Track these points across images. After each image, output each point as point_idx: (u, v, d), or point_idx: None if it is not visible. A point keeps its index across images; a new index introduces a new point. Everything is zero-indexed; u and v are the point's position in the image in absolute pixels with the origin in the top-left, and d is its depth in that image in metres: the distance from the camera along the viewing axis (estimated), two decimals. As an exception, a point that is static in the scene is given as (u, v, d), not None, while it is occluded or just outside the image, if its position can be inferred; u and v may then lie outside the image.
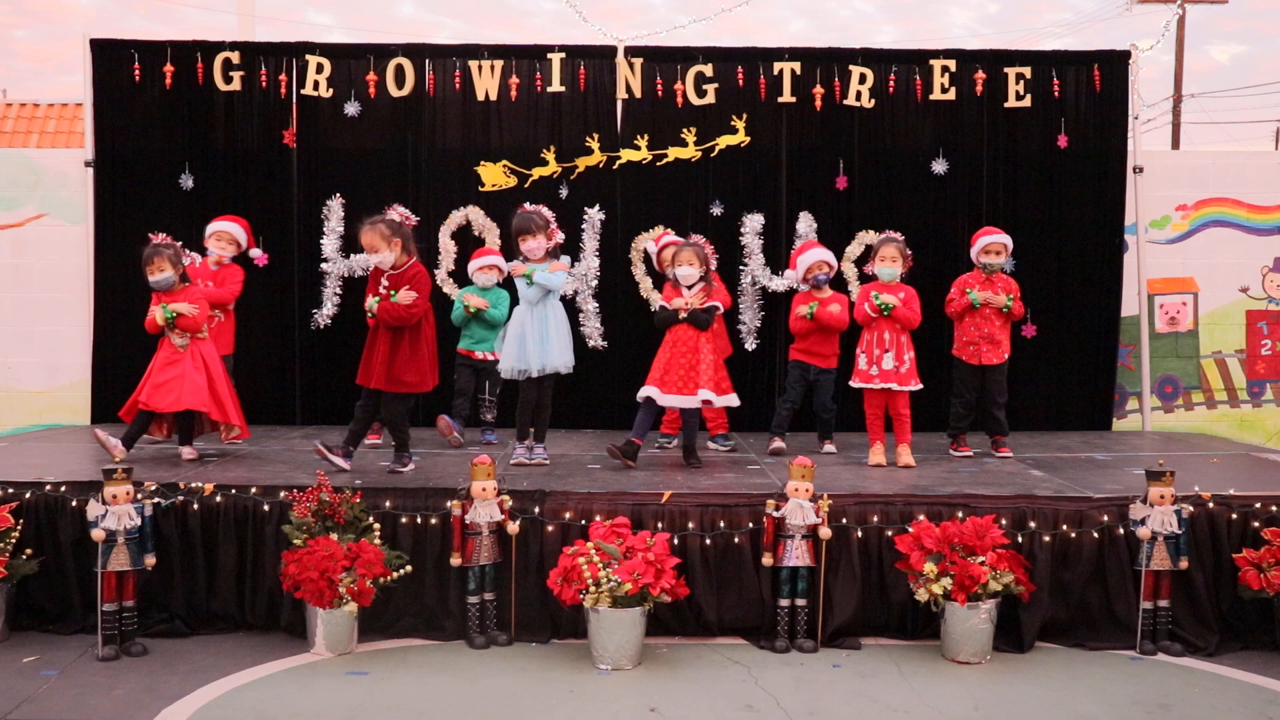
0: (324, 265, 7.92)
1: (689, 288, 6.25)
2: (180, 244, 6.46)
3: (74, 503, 5.20)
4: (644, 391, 6.18)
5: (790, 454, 6.49)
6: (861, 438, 6.68)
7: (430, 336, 5.98)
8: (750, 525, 5.19)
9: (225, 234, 7.18)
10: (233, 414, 6.28)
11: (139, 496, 4.99)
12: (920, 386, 6.45)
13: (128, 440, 6.15)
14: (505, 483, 5.38)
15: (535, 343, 5.99)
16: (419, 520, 5.21)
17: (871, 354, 6.37)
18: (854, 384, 6.48)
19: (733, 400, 6.34)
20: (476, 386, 7.06)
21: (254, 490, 5.28)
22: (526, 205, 6.28)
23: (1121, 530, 5.20)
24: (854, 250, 7.98)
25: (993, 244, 6.83)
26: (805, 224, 7.96)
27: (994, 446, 6.86)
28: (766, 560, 5.07)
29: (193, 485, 5.29)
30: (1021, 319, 7.09)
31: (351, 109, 7.94)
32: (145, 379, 6.13)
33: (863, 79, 8.00)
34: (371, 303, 5.79)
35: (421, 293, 5.78)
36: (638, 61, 8.00)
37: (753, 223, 7.96)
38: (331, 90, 7.95)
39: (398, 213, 5.97)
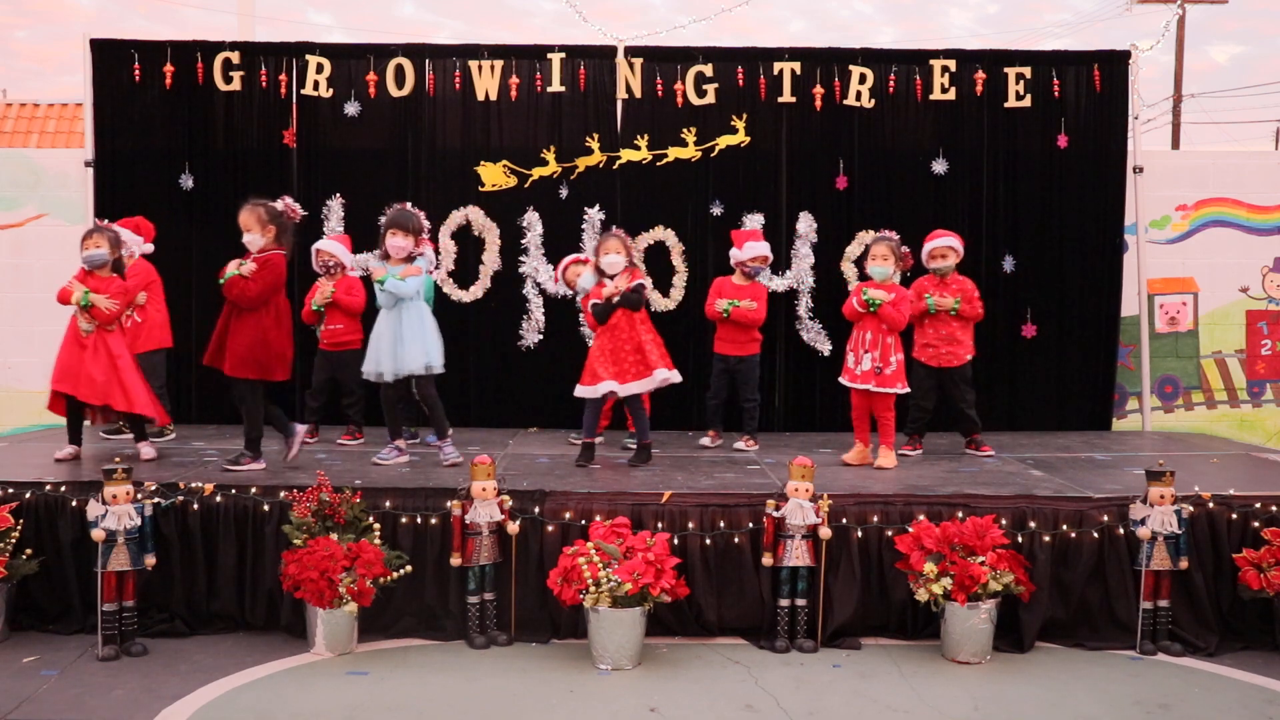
0: (324, 265, 7.91)
1: (611, 277, 6.17)
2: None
3: (74, 503, 5.20)
4: (603, 387, 6.07)
5: (725, 446, 6.76)
6: (849, 437, 6.62)
7: (275, 327, 5.87)
8: (750, 525, 5.19)
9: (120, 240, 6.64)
10: (144, 405, 6.09)
11: (139, 496, 4.99)
12: (906, 390, 6.35)
13: (72, 436, 6.13)
14: (505, 482, 5.38)
15: (389, 346, 6.00)
16: (419, 520, 5.21)
17: (858, 353, 6.33)
18: (841, 381, 6.44)
19: (676, 376, 6.21)
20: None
21: (254, 490, 5.28)
22: (408, 205, 6.27)
23: (1121, 530, 5.20)
24: (854, 250, 7.97)
25: (937, 248, 6.86)
26: (805, 224, 7.97)
27: (970, 445, 6.87)
28: (766, 560, 5.07)
29: (193, 485, 5.29)
30: (981, 319, 6.97)
31: (351, 109, 7.94)
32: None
33: (863, 79, 8.00)
34: (228, 273, 5.74)
35: (264, 279, 5.72)
36: (638, 61, 8.00)
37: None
38: (331, 90, 7.95)
39: (286, 203, 5.94)
